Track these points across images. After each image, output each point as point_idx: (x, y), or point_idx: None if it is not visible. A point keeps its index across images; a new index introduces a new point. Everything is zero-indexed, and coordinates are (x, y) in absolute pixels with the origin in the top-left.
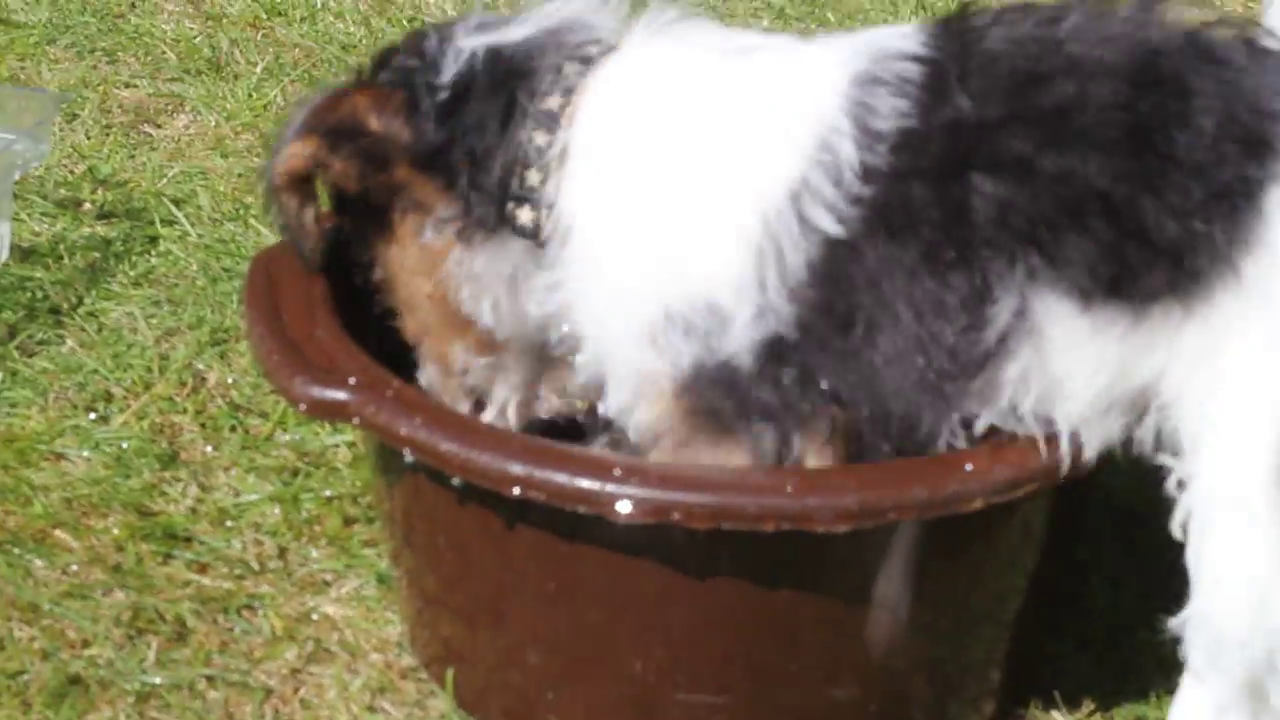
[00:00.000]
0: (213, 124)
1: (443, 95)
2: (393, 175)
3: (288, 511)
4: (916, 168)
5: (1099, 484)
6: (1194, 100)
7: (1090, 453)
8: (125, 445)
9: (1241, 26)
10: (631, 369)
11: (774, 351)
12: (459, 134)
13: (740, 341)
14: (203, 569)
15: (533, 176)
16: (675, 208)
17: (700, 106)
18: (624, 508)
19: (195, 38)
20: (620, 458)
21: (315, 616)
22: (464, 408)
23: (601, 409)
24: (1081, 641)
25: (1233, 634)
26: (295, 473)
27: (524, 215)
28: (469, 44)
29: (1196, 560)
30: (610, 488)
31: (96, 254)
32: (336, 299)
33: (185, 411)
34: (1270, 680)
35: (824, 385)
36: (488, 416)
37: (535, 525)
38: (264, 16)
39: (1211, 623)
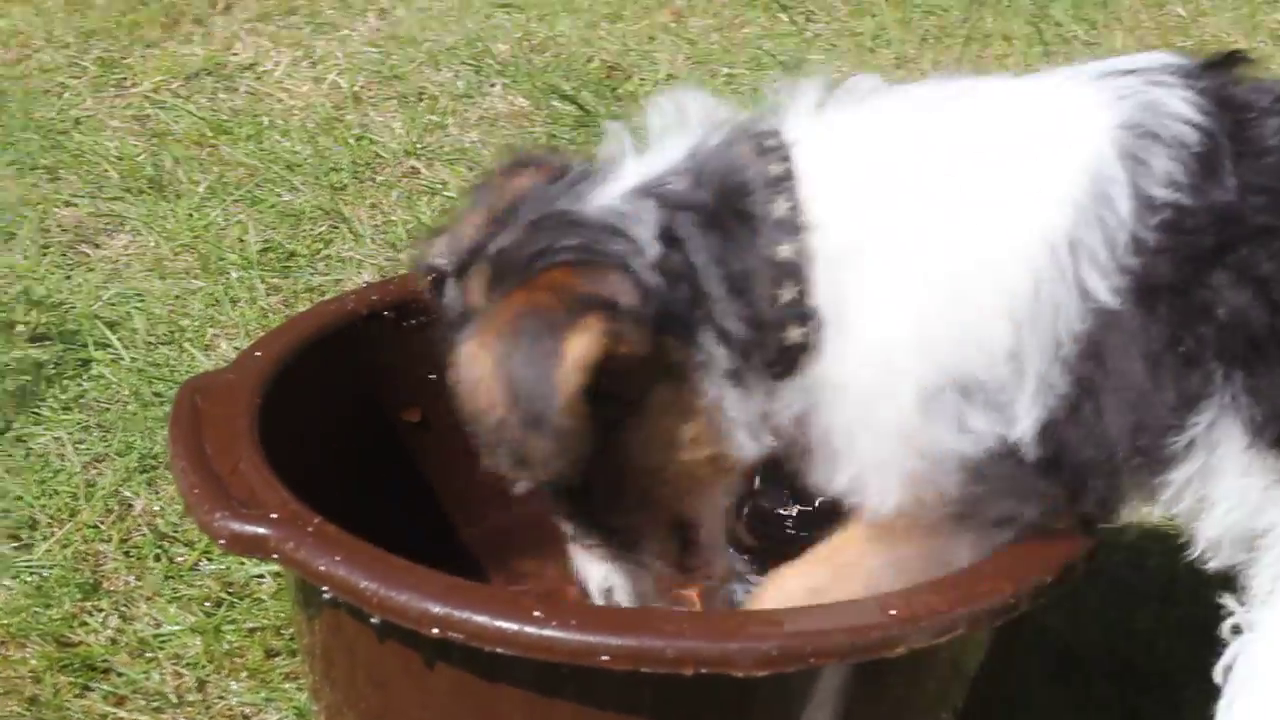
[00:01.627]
0: (152, 244)
1: (654, 250)
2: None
3: (209, 643)
4: (1183, 253)
5: (1031, 620)
6: None
7: (1216, 566)
8: (47, 574)
9: None
10: (896, 465)
11: (1049, 435)
12: (688, 279)
13: (1025, 424)
14: (120, 701)
15: (789, 292)
16: (941, 282)
17: (941, 163)
18: None
19: (139, 155)
20: (538, 600)
21: None
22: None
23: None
24: None
25: None
26: (219, 603)
27: (794, 334)
28: (633, 189)
29: (1225, 714)
30: (530, 629)
31: (27, 377)
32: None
33: (110, 540)
34: None
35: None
36: None
37: (455, 664)
38: (209, 134)
39: None
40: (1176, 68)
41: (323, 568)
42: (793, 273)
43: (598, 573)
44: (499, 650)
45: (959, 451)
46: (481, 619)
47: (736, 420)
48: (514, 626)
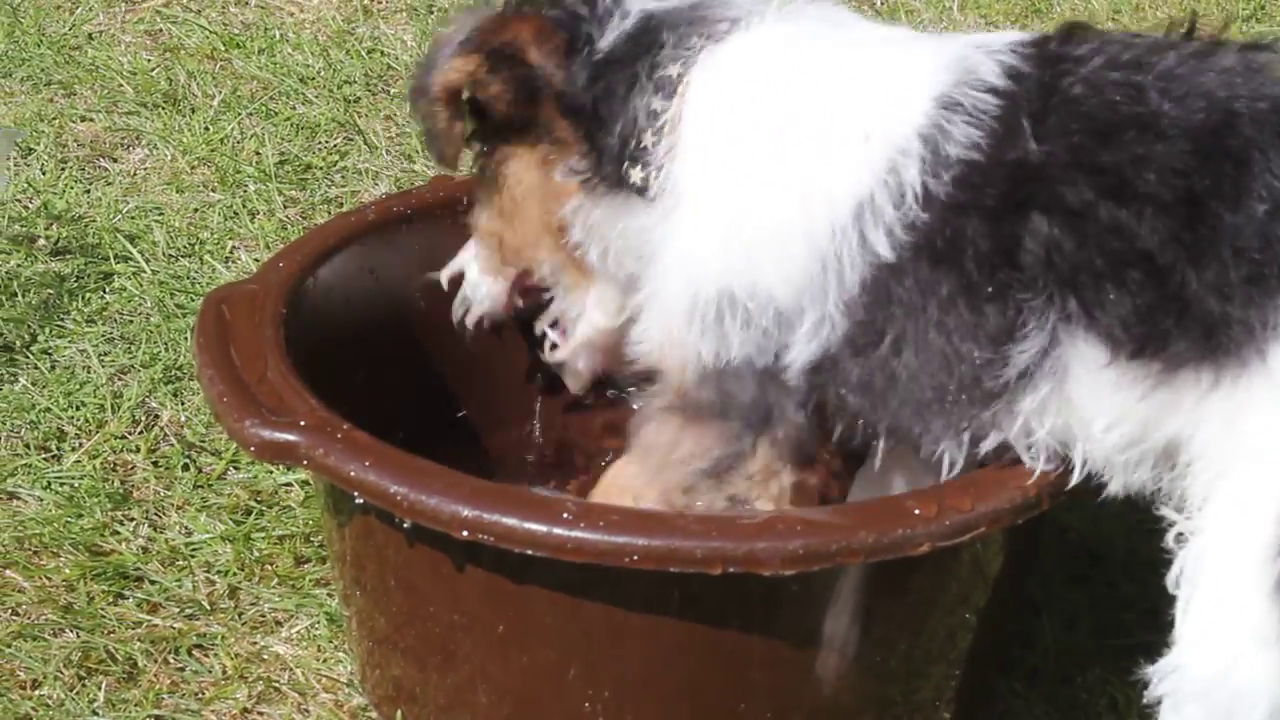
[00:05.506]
0: (169, 158)
1: (599, 56)
2: (540, 110)
3: (239, 551)
4: (974, 202)
5: (1053, 521)
6: (1252, 180)
7: (1115, 489)
8: (78, 484)
9: None
10: (671, 339)
11: (818, 370)
12: (601, 93)
13: (797, 353)
14: (154, 609)
15: (647, 138)
16: (757, 198)
17: (797, 96)
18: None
19: (152, 70)
20: (570, 500)
21: (266, 656)
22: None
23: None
24: (1032, 679)
25: (1198, 690)
26: (248, 512)
27: (635, 174)
28: (636, 6)
29: (1182, 615)
30: (559, 531)
31: (50, 291)
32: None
33: (138, 450)
34: None
35: (840, 396)
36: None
37: (485, 567)
38: (222, 49)
39: (1181, 675)
40: (1019, 40)
41: (353, 473)
42: (652, 126)
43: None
44: (528, 552)
45: (703, 356)
46: (511, 521)
47: (591, 226)
48: (543, 528)
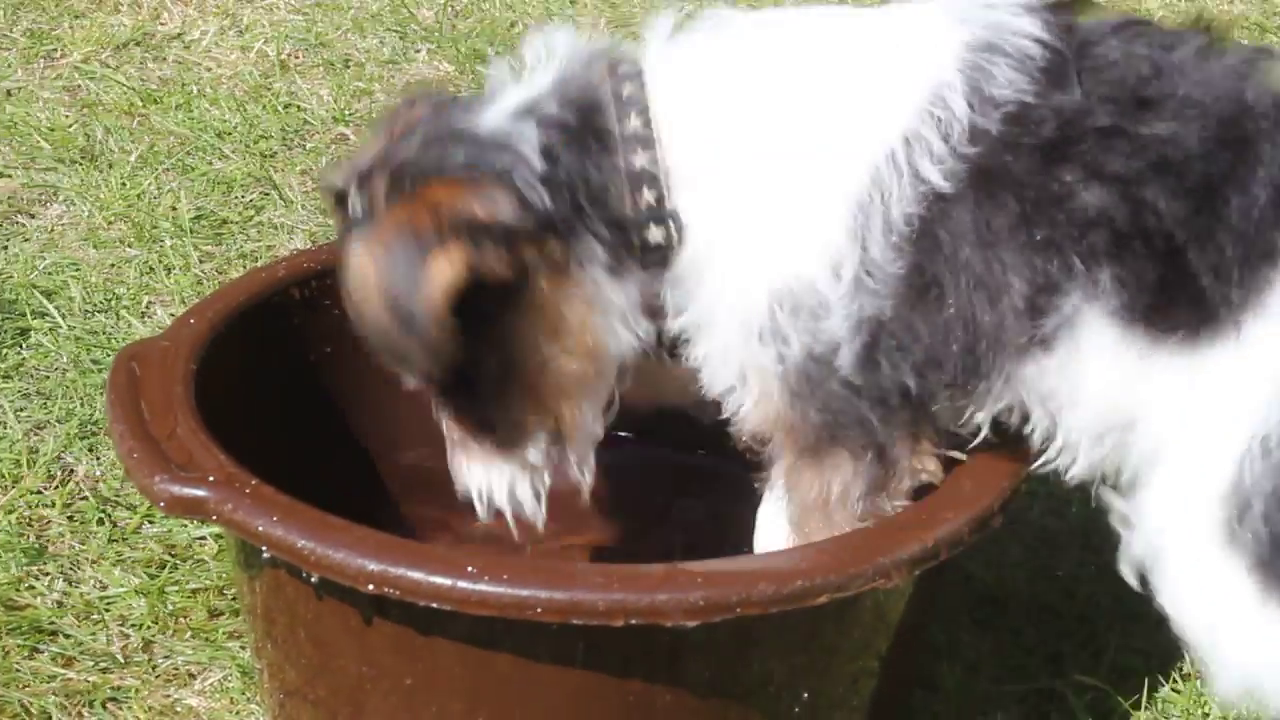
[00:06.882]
0: (86, 213)
1: (538, 165)
2: (522, 254)
3: (153, 604)
4: (1026, 142)
5: (957, 567)
6: (1258, 167)
7: (1079, 470)
8: None
9: None
10: (739, 363)
11: (871, 331)
12: (566, 188)
13: (839, 321)
14: (68, 662)
15: (647, 196)
16: (777, 181)
17: (784, 79)
18: None
19: (70, 126)
20: (474, 556)
21: (179, 709)
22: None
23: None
24: None
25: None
26: (162, 565)
27: (655, 234)
28: (514, 111)
29: (1158, 592)
30: (463, 584)
31: None
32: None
33: (53, 505)
34: None
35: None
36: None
37: (393, 620)
38: (139, 104)
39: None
40: (1024, 3)
41: (260, 528)
42: (649, 180)
43: (478, 478)
44: (434, 605)
45: (781, 370)
46: (416, 575)
47: (612, 308)
48: (448, 582)
